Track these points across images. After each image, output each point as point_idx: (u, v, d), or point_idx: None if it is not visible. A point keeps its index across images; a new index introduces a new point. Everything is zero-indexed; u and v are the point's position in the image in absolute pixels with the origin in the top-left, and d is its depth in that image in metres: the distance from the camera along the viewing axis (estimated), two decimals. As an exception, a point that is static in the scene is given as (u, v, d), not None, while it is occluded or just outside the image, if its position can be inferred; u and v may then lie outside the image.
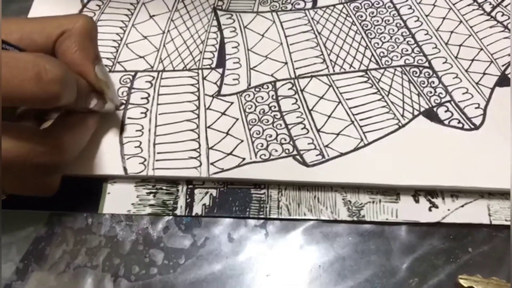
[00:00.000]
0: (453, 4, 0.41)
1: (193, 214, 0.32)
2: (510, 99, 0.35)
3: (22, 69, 0.24)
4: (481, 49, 0.38)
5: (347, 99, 0.36)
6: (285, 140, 0.34)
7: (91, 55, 0.30)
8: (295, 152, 0.33)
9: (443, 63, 0.38)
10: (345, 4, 0.42)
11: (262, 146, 0.33)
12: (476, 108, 0.35)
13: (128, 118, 0.35)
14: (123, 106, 0.35)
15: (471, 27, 0.40)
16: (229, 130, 0.34)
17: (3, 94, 0.23)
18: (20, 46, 0.28)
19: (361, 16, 0.41)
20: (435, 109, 0.35)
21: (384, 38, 0.39)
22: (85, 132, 0.31)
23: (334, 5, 0.42)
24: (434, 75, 0.37)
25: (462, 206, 0.32)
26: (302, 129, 0.34)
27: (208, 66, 0.38)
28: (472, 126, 0.34)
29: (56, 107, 0.27)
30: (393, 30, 0.40)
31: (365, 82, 0.37)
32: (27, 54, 0.25)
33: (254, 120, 0.34)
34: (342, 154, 0.33)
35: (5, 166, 0.26)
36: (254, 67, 0.38)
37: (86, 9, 0.41)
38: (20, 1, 0.42)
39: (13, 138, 0.26)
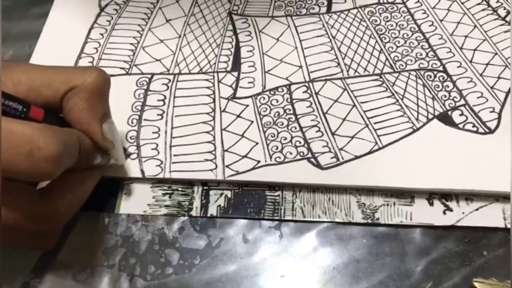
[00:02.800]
0: (468, 9, 0.41)
1: (208, 215, 0.32)
2: (510, 99, 0.36)
3: (14, 144, 0.23)
4: (496, 53, 0.38)
5: (362, 103, 0.36)
6: (300, 143, 0.34)
7: (99, 113, 0.29)
8: (309, 155, 0.33)
9: (458, 67, 0.38)
10: (359, 9, 0.42)
11: (277, 148, 0.33)
12: (490, 112, 0.35)
13: (145, 120, 0.35)
14: (130, 110, 0.35)
15: (485, 31, 0.40)
16: (244, 132, 0.34)
17: None
18: (27, 98, 0.27)
19: (376, 21, 0.41)
20: (449, 112, 0.35)
21: (399, 42, 0.40)
22: (85, 190, 0.30)
23: (348, 10, 0.42)
24: (449, 79, 0.37)
25: (477, 209, 0.32)
26: (316, 132, 0.34)
27: (224, 70, 0.38)
28: (487, 130, 0.34)
29: None
30: (408, 35, 0.40)
31: (380, 85, 0.37)
32: (25, 126, 0.23)
33: (269, 123, 0.35)
34: (356, 157, 0.33)
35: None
36: (269, 70, 0.38)
37: (104, 13, 0.42)
38: (40, 5, 0.43)
39: (7, 205, 0.25)
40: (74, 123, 0.28)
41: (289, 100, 0.36)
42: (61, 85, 0.28)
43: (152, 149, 0.34)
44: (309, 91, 0.37)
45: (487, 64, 0.38)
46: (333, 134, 0.34)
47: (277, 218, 0.32)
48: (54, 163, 0.23)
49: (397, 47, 0.39)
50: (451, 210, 0.32)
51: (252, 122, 0.35)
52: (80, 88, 0.28)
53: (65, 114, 0.28)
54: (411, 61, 0.38)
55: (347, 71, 0.38)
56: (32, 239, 0.28)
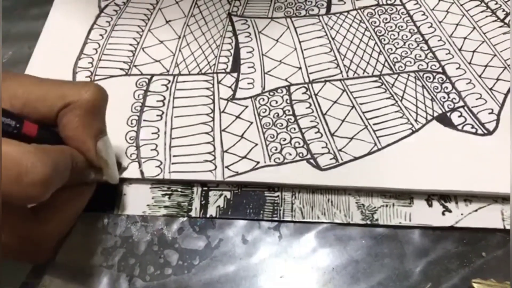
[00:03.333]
0: (467, 11, 0.42)
1: (208, 216, 0.32)
2: (509, 100, 0.36)
3: (4, 167, 0.22)
4: (495, 55, 0.38)
5: (361, 104, 0.36)
6: (299, 144, 0.34)
7: (93, 131, 0.28)
8: (309, 156, 0.33)
9: (457, 68, 0.38)
10: (358, 10, 0.42)
11: (276, 149, 0.34)
12: (489, 113, 0.35)
13: (144, 120, 0.35)
14: (129, 110, 0.36)
15: (484, 33, 0.40)
16: (243, 133, 0.34)
17: None
18: (22, 112, 0.27)
19: (375, 22, 0.41)
20: (448, 114, 0.35)
21: (398, 44, 0.40)
22: (78, 208, 0.30)
23: (347, 11, 0.42)
24: (448, 80, 0.37)
25: (476, 210, 0.32)
26: (316, 133, 0.34)
27: (223, 71, 0.38)
28: (486, 131, 0.34)
29: None
30: (407, 36, 0.40)
31: (379, 87, 0.37)
32: (14, 148, 0.23)
33: (268, 124, 0.35)
34: (355, 158, 0.33)
35: None
36: (269, 71, 0.38)
37: (103, 14, 0.42)
38: (40, 5, 0.43)
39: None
40: (68, 140, 0.28)
41: (288, 101, 0.36)
42: (56, 101, 0.27)
43: (151, 149, 0.34)
44: (308, 92, 0.37)
45: (486, 66, 0.38)
46: (332, 135, 0.34)
47: (276, 219, 0.32)
48: (42, 186, 0.23)
49: (396, 48, 0.39)
50: (450, 211, 0.32)
51: (252, 123, 0.35)
52: (76, 105, 0.27)
53: (59, 130, 0.28)
54: (410, 62, 0.38)
55: (347, 72, 0.38)
56: (23, 255, 0.28)
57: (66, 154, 0.27)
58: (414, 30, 0.41)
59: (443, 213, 0.32)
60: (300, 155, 0.33)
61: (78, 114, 0.27)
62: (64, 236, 0.31)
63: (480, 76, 0.37)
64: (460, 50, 0.39)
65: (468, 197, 0.32)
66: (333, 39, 0.40)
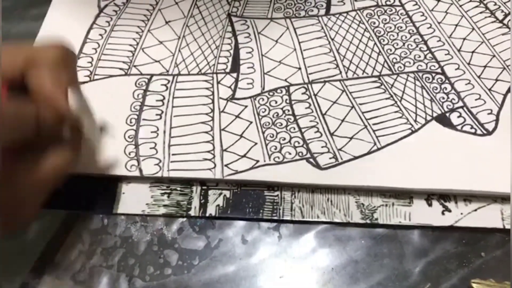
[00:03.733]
0: (466, 12, 0.42)
1: (207, 214, 0.32)
2: (509, 100, 0.36)
3: None
4: (494, 55, 0.39)
5: (360, 104, 0.36)
6: (299, 143, 0.34)
7: (62, 84, 0.28)
8: (308, 155, 0.33)
9: (456, 69, 0.38)
10: (358, 11, 0.42)
11: (275, 149, 0.34)
12: (488, 114, 0.35)
13: (144, 119, 0.35)
14: (128, 109, 0.35)
15: (483, 34, 0.40)
16: (243, 132, 0.34)
17: None
18: None
19: (374, 23, 0.41)
20: (447, 114, 0.35)
21: (397, 44, 0.40)
22: (56, 168, 0.28)
23: (347, 12, 0.42)
24: (447, 81, 0.37)
25: (475, 210, 0.32)
26: (315, 132, 0.34)
27: (223, 71, 0.38)
28: (485, 132, 0.34)
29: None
30: (406, 37, 0.40)
31: (378, 87, 0.37)
32: None
33: (267, 124, 0.35)
34: (355, 158, 0.33)
35: None
36: (268, 72, 0.38)
37: (103, 14, 0.42)
38: (40, 6, 0.43)
39: None
40: (38, 96, 0.27)
41: (288, 101, 0.36)
42: (21, 62, 0.28)
43: (150, 148, 0.34)
44: (308, 92, 0.37)
45: (485, 66, 0.38)
46: (332, 134, 0.34)
47: (276, 218, 0.32)
48: None
49: (396, 49, 0.39)
50: (450, 211, 0.32)
51: (251, 122, 0.35)
52: (41, 62, 0.28)
53: (29, 90, 0.28)
54: (410, 63, 0.38)
55: (346, 72, 0.38)
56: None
57: (25, 108, 0.26)
58: (413, 31, 0.41)
59: (442, 213, 0.32)
60: (300, 154, 0.33)
61: (44, 70, 0.28)
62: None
63: (479, 77, 0.37)
64: (459, 50, 0.39)
65: (468, 197, 0.32)
66: (332, 39, 0.40)
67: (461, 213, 0.32)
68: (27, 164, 0.27)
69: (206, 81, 0.37)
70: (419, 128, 0.35)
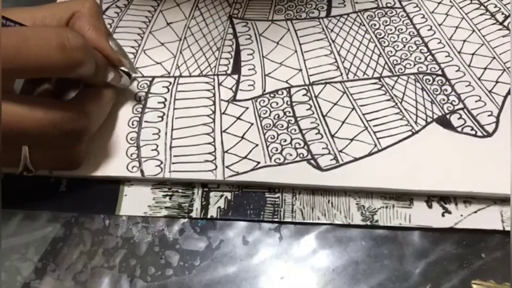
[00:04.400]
0: (466, 14, 0.42)
1: (208, 216, 0.32)
2: (509, 102, 0.36)
3: (46, 39, 0.25)
4: (494, 57, 0.39)
5: (361, 106, 0.36)
6: (300, 144, 0.34)
7: (103, 31, 0.32)
8: (309, 157, 0.33)
9: (456, 71, 0.38)
10: (358, 13, 0.42)
11: (276, 150, 0.34)
12: (489, 115, 0.35)
13: (145, 121, 0.35)
14: (130, 111, 0.36)
15: (483, 36, 0.40)
16: (244, 134, 0.35)
17: (31, 64, 0.25)
18: None
19: (375, 25, 0.41)
20: (448, 116, 0.35)
21: (398, 46, 0.40)
22: (105, 104, 0.33)
23: (347, 14, 0.42)
24: (447, 83, 0.37)
25: (475, 212, 0.32)
26: (316, 134, 0.34)
27: (224, 72, 0.38)
28: (485, 133, 0.34)
29: (77, 79, 0.29)
30: (406, 39, 0.40)
31: (379, 89, 0.37)
32: (49, 27, 0.27)
33: (268, 125, 0.35)
34: (356, 159, 0.33)
35: (38, 135, 0.27)
36: (269, 73, 0.38)
37: (105, 16, 0.42)
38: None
39: (43, 107, 0.27)
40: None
41: (289, 103, 0.36)
42: (63, 13, 0.32)
43: (152, 149, 0.34)
44: (308, 94, 0.37)
45: (485, 68, 0.38)
46: (332, 136, 0.34)
47: (276, 220, 0.32)
48: (83, 51, 0.27)
49: (396, 51, 0.40)
50: (450, 213, 0.32)
51: (252, 124, 0.35)
52: (81, 13, 0.32)
53: None
54: (410, 65, 0.39)
55: (347, 74, 0.38)
56: (65, 149, 0.31)
57: (88, 45, 0.29)
58: (413, 33, 0.41)
59: (442, 215, 0.32)
60: (301, 155, 0.33)
61: (86, 19, 0.32)
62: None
63: (479, 79, 0.37)
64: (459, 52, 0.39)
65: (468, 199, 0.32)
66: (333, 41, 0.40)
67: (461, 215, 0.32)
68: (85, 97, 0.31)
69: (207, 82, 0.38)
70: (419, 130, 0.35)
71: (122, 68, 0.34)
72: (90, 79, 0.31)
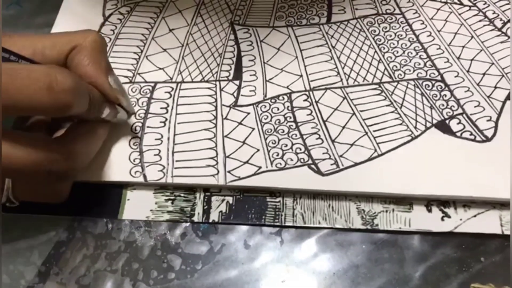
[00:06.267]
0: (465, 20, 0.42)
1: (210, 220, 0.32)
2: (509, 107, 0.36)
3: (34, 79, 0.24)
4: (492, 63, 0.39)
5: (361, 111, 0.36)
6: (300, 149, 0.34)
7: (103, 67, 0.31)
8: (310, 161, 0.34)
9: (455, 76, 0.38)
10: (358, 19, 0.43)
11: (277, 155, 0.34)
12: (488, 120, 0.36)
13: (148, 127, 0.36)
14: (133, 117, 0.36)
15: (482, 42, 0.41)
16: (245, 139, 0.35)
17: (17, 104, 0.24)
18: (33, 59, 0.28)
19: (374, 31, 0.42)
20: (447, 121, 0.36)
21: (397, 52, 0.40)
22: (96, 141, 0.32)
23: (348, 20, 0.43)
24: (446, 88, 0.38)
25: (474, 216, 0.32)
26: (317, 139, 0.35)
27: (226, 78, 0.39)
28: (484, 138, 0.35)
29: (68, 116, 0.28)
30: (406, 45, 0.41)
31: (379, 94, 0.37)
32: (40, 65, 0.26)
33: (270, 130, 0.35)
34: (356, 164, 0.34)
35: (20, 173, 0.26)
36: (270, 79, 0.39)
37: (108, 22, 0.42)
38: (45, 14, 0.43)
39: (28, 146, 0.26)
40: (82, 78, 0.29)
41: (289, 108, 0.37)
42: (64, 45, 0.30)
43: (154, 155, 0.34)
44: (309, 99, 0.37)
45: (484, 74, 0.38)
46: (333, 141, 0.35)
47: (278, 224, 0.32)
48: (72, 93, 0.25)
49: (396, 57, 0.40)
50: (449, 217, 0.32)
51: (253, 129, 0.35)
52: (82, 47, 0.30)
53: (71, 71, 0.29)
54: (410, 70, 0.39)
55: (347, 80, 0.38)
56: (48, 185, 0.30)
57: (83, 82, 0.28)
58: (413, 39, 0.41)
59: (442, 219, 0.32)
60: (302, 160, 0.34)
61: (87, 53, 0.30)
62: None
63: (478, 84, 0.38)
64: (458, 58, 0.40)
65: (467, 203, 0.33)
66: (333, 47, 0.41)
67: (461, 219, 0.32)
68: (75, 135, 0.30)
69: (209, 88, 0.38)
70: (419, 135, 0.35)
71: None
72: (84, 115, 0.29)
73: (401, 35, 0.42)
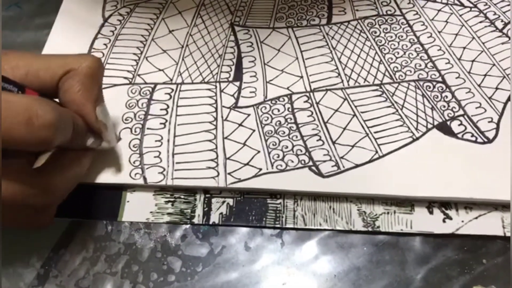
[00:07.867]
0: (465, 21, 0.42)
1: (210, 222, 0.32)
2: (510, 109, 0.36)
3: (14, 113, 0.23)
4: (493, 64, 0.39)
5: (362, 112, 0.36)
6: (301, 151, 0.34)
7: (93, 96, 0.30)
8: (311, 163, 0.34)
9: (456, 78, 0.38)
10: (359, 21, 0.43)
11: (278, 157, 0.34)
12: (489, 122, 0.36)
13: (148, 128, 0.36)
14: (133, 118, 0.36)
15: (483, 43, 0.40)
16: (246, 141, 0.35)
17: None
18: (24, 82, 0.28)
19: (375, 32, 0.42)
20: (448, 122, 0.36)
21: (398, 53, 0.40)
22: (78, 171, 0.31)
23: (348, 21, 0.43)
24: (447, 89, 0.38)
25: (476, 218, 0.32)
26: (317, 140, 0.35)
27: (226, 79, 0.39)
28: (486, 140, 0.35)
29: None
30: (407, 46, 0.41)
31: (379, 96, 0.37)
32: (21, 97, 0.25)
33: (270, 132, 0.35)
34: (357, 166, 0.33)
35: None
36: (271, 80, 0.38)
37: (107, 24, 0.42)
38: (44, 16, 0.43)
39: (5, 179, 0.25)
40: (69, 104, 0.29)
41: (290, 110, 0.37)
42: (58, 69, 0.29)
43: (154, 156, 0.34)
44: (310, 100, 0.37)
45: (485, 75, 0.38)
46: (334, 142, 0.35)
47: (278, 226, 0.32)
48: (52, 129, 0.24)
49: (397, 58, 0.40)
50: (451, 219, 0.32)
51: (254, 130, 0.35)
52: (76, 72, 0.29)
53: (60, 96, 0.29)
54: (410, 71, 0.39)
55: (348, 81, 0.38)
56: (29, 216, 0.29)
57: (68, 112, 0.28)
58: (414, 40, 0.41)
59: (443, 220, 0.32)
60: (302, 162, 0.34)
61: (79, 79, 0.29)
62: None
63: (479, 85, 0.38)
64: (459, 59, 0.40)
65: (469, 205, 0.32)
66: (334, 48, 0.41)
67: (462, 221, 0.32)
68: (58, 164, 0.29)
69: (209, 89, 0.38)
70: (420, 136, 0.35)
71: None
72: (67, 145, 0.28)
73: (402, 36, 0.41)
